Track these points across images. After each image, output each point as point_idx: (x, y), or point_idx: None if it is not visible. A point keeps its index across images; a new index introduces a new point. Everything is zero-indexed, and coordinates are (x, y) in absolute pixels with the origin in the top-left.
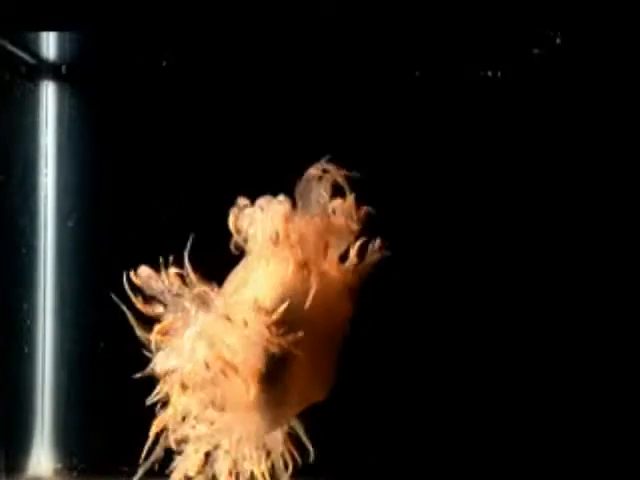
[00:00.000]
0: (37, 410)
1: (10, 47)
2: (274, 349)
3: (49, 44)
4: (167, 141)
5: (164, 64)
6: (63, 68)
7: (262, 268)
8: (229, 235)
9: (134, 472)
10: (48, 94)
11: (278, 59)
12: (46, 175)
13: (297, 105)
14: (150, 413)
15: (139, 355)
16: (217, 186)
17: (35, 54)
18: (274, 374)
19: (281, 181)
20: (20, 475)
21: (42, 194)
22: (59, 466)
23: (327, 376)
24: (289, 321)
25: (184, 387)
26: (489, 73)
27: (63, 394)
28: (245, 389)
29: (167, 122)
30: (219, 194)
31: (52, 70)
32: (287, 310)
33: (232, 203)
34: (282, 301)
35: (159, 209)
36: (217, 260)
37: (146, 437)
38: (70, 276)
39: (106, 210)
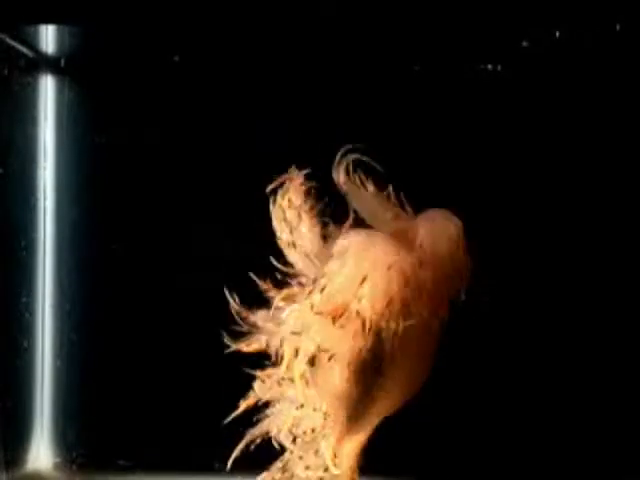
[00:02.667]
0: (36, 404)
1: (9, 41)
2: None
3: (48, 37)
4: (167, 134)
5: (164, 57)
6: (62, 61)
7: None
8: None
9: (133, 466)
10: (47, 88)
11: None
12: (45, 169)
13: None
14: (150, 407)
15: (138, 348)
16: (217, 175)
17: (34, 47)
18: (368, 367)
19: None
20: (19, 469)
21: (41, 188)
22: (58, 460)
23: (418, 383)
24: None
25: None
26: (488, 66)
27: (62, 388)
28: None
29: (167, 115)
30: (219, 183)
31: (51, 64)
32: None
33: (234, 195)
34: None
35: (159, 202)
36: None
37: (146, 431)
38: (69, 269)
39: (105, 203)
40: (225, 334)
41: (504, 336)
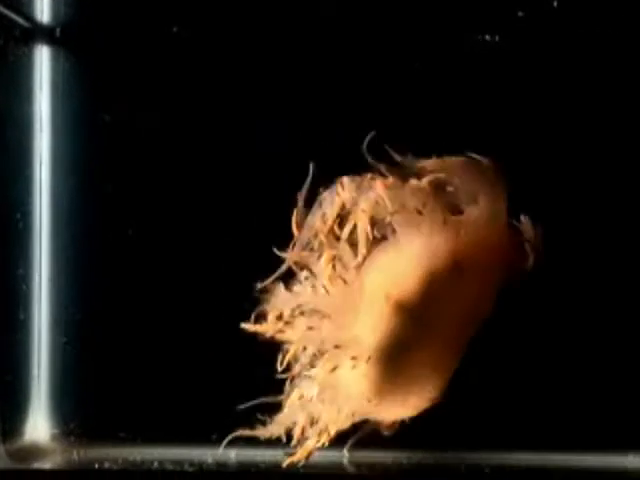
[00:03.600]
0: (34, 376)
1: (3, 10)
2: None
3: (43, 7)
4: (163, 104)
5: (162, 28)
6: (57, 31)
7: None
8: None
9: (131, 438)
10: (42, 58)
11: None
12: (41, 140)
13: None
14: (148, 378)
15: (135, 320)
16: (210, 150)
17: (29, 17)
18: (393, 351)
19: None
20: (17, 440)
21: (37, 159)
22: (56, 431)
23: (445, 376)
24: (425, 309)
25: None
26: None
27: (59, 360)
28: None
29: (163, 85)
30: (213, 158)
31: (46, 33)
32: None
33: (228, 168)
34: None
35: (157, 174)
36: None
37: (143, 403)
38: (65, 242)
39: (101, 175)
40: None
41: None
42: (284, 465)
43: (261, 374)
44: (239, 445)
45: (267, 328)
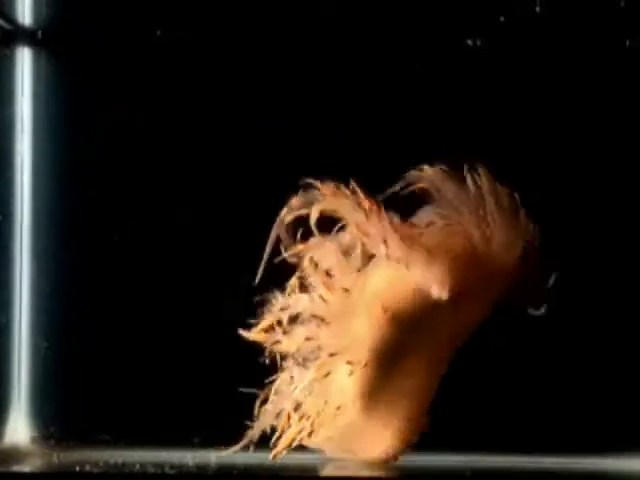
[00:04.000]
0: (14, 379)
1: None
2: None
3: (25, 9)
4: (146, 106)
5: (144, 31)
6: (39, 33)
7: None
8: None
9: (112, 440)
10: (24, 60)
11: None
12: (22, 141)
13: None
14: (127, 381)
15: (115, 324)
16: (193, 153)
17: (10, 19)
18: (383, 357)
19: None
20: None
21: (18, 161)
22: (36, 434)
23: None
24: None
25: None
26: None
27: (40, 363)
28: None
29: (144, 88)
30: (197, 161)
31: (28, 35)
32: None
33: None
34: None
35: (138, 174)
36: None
37: (124, 406)
38: (46, 245)
39: (83, 177)
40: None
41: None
42: (270, 458)
43: (243, 376)
44: (219, 447)
45: (265, 337)
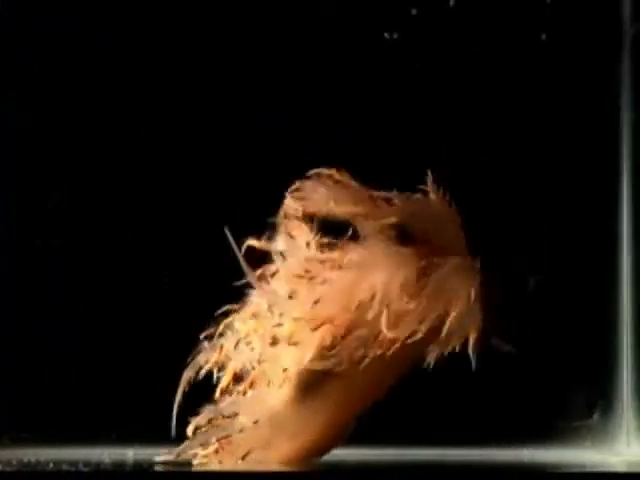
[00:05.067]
0: None
1: None
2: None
3: None
4: (85, 110)
5: (72, 33)
6: None
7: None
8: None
9: (25, 438)
10: None
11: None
12: None
13: None
14: (40, 378)
15: (27, 322)
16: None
17: None
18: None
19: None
20: None
21: None
22: None
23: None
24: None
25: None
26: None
27: None
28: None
29: (84, 92)
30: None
31: None
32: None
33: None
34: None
35: (70, 181)
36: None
37: (37, 403)
38: None
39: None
40: None
41: None
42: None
43: (161, 370)
44: (136, 444)
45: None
